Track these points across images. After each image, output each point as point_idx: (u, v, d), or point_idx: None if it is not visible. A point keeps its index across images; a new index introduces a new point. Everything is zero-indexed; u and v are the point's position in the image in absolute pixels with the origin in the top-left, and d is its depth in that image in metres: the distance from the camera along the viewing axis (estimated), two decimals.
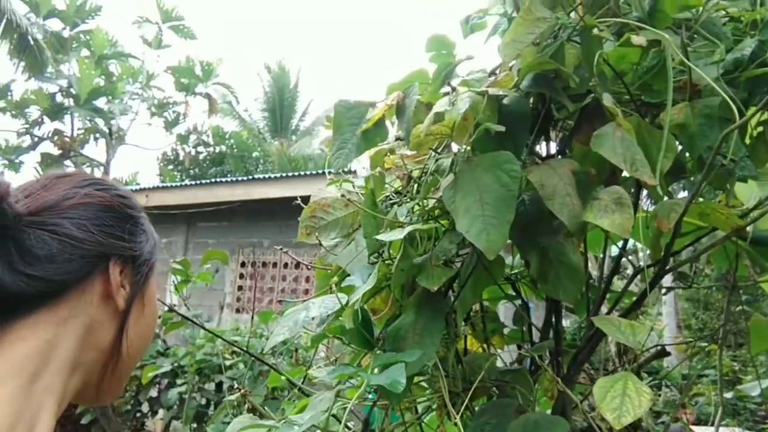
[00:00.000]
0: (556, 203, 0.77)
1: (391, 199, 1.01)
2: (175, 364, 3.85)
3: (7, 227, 0.64)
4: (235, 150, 15.93)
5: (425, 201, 0.89)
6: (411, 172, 1.00)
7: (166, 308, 1.43)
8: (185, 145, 16.02)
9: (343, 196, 0.89)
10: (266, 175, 8.57)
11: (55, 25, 14.16)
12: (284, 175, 7.14)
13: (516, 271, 1.19)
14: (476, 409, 1.02)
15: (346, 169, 0.92)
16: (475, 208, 0.74)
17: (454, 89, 0.84)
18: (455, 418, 0.85)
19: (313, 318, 0.79)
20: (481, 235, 0.73)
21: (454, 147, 0.94)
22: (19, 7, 12.24)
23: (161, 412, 4.10)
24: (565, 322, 1.26)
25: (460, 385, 1.02)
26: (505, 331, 1.25)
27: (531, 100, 0.96)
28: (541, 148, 1.02)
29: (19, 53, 11.74)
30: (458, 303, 0.93)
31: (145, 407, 4.20)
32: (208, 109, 16.20)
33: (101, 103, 14.49)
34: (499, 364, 1.15)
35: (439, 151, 0.90)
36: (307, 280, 6.85)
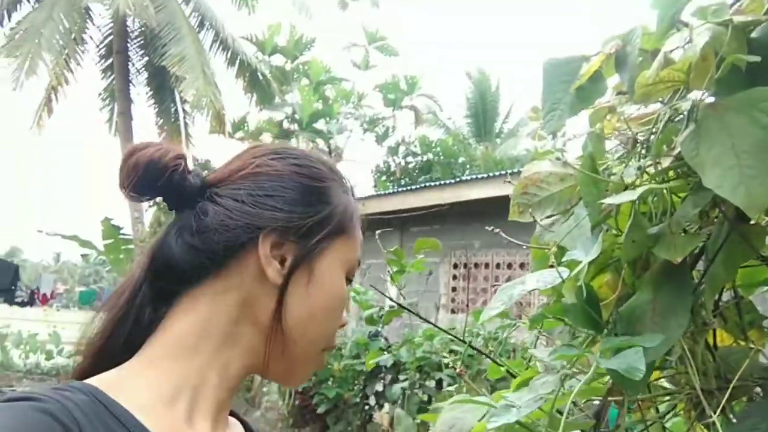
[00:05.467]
0: None
1: (611, 169, 0.89)
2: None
3: (187, 198, 0.66)
4: (442, 157, 16.29)
5: (657, 162, 0.77)
6: (636, 135, 0.87)
7: (387, 300, 1.46)
8: (395, 156, 16.85)
9: (558, 159, 0.80)
10: (473, 176, 8.58)
11: (278, 60, 15.97)
12: (490, 175, 7.08)
13: None
14: (736, 411, 0.85)
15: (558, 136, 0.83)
16: (727, 159, 0.61)
17: (686, 25, 0.70)
18: (714, 420, 0.71)
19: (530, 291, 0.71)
20: (738, 189, 0.59)
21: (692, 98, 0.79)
22: (248, 48, 13.99)
23: (386, 405, 4.30)
24: None
25: (713, 383, 0.86)
26: (766, 323, 1.03)
27: None
28: None
29: (252, 88, 13.42)
30: (707, 282, 0.78)
31: (372, 400, 4.44)
32: (415, 120, 16.86)
33: (320, 125, 15.96)
34: (761, 360, 0.95)
35: (671, 103, 0.77)
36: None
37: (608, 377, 0.80)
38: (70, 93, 11.73)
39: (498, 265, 7.07)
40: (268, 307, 0.64)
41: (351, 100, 16.81)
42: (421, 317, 1.33)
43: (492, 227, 0.99)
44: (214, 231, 0.63)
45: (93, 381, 0.59)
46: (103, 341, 0.66)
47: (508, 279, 7.29)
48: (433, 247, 1.32)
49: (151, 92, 13.31)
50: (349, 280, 0.70)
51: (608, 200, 0.68)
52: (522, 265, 6.74)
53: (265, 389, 5.61)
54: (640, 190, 0.66)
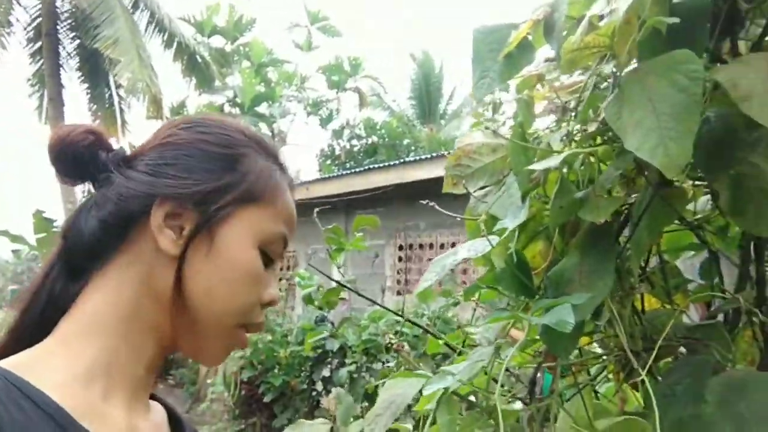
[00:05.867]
0: (754, 105, 0.61)
1: (540, 138, 0.90)
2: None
3: (100, 173, 0.64)
4: (386, 139, 16.30)
5: (584, 128, 0.77)
6: (565, 103, 0.88)
7: (333, 282, 1.44)
8: (340, 139, 16.76)
9: (486, 128, 0.80)
10: (417, 157, 8.64)
11: (217, 42, 15.56)
12: (435, 155, 7.13)
13: (699, 216, 1.01)
14: (662, 372, 0.88)
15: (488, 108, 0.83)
16: (648, 121, 0.62)
17: None
18: (643, 378, 0.72)
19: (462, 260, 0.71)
20: (657, 150, 0.60)
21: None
22: (186, 30, 13.54)
23: (334, 390, 4.30)
24: None
25: (640, 345, 0.89)
26: (690, 287, 1.07)
27: None
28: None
29: (190, 71, 13.00)
30: (632, 246, 0.80)
31: (319, 386, 4.44)
32: (359, 102, 16.79)
33: (263, 108, 15.66)
34: (685, 321, 0.99)
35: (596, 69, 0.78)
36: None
37: (540, 343, 0.81)
38: None
39: (442, 246, 7.16)
40: (167, 280, 0.61)
41: (294, 82, 16.57)
42: (362, 295, 1.32)
43: (427, 201, 0.99)
44: (112, 202, 0.62)
45: (4, 363, 0.57)
46: (18, 321, 0.64)
47: None
48: (372, 224, 1.31)
49: (83, 77, 12.71)
50: (266, 255, 0.65)
51: (534, 166, 0.69)
52: None
53: (209, 381, 5.51)
54: (564, 155, 0.67)
